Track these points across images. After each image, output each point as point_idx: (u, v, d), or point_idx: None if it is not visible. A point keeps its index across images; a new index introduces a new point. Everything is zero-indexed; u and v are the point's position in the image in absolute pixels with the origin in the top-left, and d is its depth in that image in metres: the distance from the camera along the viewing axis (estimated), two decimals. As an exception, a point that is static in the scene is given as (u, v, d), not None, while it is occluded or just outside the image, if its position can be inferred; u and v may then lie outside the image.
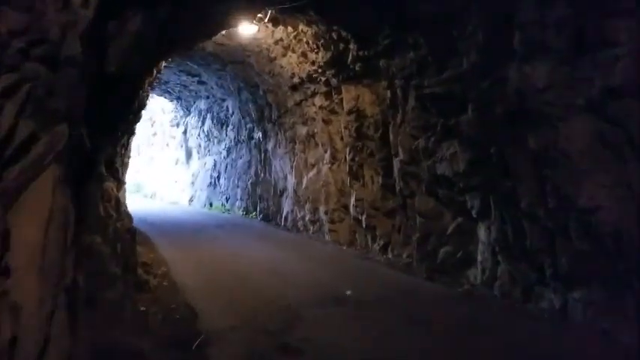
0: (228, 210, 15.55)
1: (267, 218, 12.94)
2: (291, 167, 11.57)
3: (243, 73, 12.29)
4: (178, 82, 17.01)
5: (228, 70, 12.89)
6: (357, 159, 8.64)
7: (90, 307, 3.76)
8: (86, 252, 4.02)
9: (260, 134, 13.50)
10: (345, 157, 9.13)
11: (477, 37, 5.41)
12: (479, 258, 5.93)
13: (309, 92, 10.05)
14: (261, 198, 13.50)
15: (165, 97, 19.44)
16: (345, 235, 9.26)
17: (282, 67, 10.16)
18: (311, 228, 10.57)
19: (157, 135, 24.15)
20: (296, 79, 10.11)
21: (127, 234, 5.59)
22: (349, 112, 8.59)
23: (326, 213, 9.82)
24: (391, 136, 7.60)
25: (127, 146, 6.72)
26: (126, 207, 6.53)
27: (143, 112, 8.02)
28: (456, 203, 6.31)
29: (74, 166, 3.38)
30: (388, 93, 7.47)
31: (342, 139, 9.31)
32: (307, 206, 10.70)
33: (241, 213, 14.55)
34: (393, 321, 4.79)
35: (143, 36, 3.45)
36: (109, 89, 3.45)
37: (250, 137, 14.45)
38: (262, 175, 13.54)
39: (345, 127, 8.90)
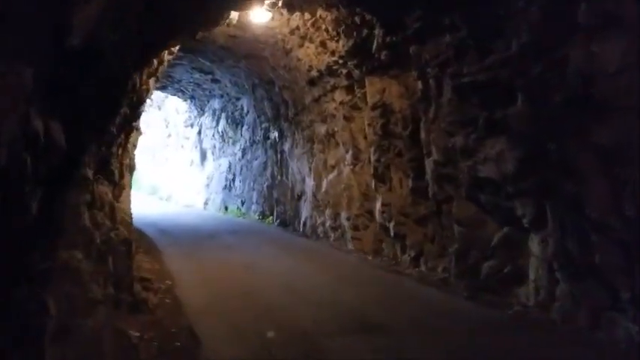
0: (244, 214, 14.96)
1: (284, 223, 12.27)
2: (310, 169, 10.87)
3: (258, 68, 11.67)
4: (191, 80, 16.52)
5: (242, 66, 12.29)
6: (382, 160, 7.89)
7: (62, 339, 3.12)
8: (62, 271, 3.39)
9: (276, 134, 12.86)
10: (370, 158, 8.39)
11: (531, 11, 4.62)
12: (531, 275, 5.11)
13: (328, 87, 9.34)
14: (278, 202, 12.84)
15: (179, 97, 19.01)
16: (370, 243, 8.51)
17: (298, 59, 9.47)
18: (332, 235, 9.84)
19: (172, 136, 23.80)
20: (314, 73, 9.41)
21: (121, 245, 4.97)
22: (374, 108, 7.85)
23: (348, 219, 9.09)
24: (422, 134, 6.84)
25: (125, 145, 6.11)
26: (126, 213, 5.92)
27: (147, 107, 7.44)
28: (503, 210, 5.51)
29: (43, 167, 2.76)
30: (419, 84, 6.71)
31: (365, 137, 8.57)
32: (327, 211, 9.99)
33: (257, 217, 13.92)
34: (432, 354, 4.04)
35: (120, 6, 2.80)
36: (81, 71, 2.80)
37: (266, 137, 13.83)
38: (279, 177, 12.89)
39: (370, 125, 8.16)
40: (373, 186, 8.25)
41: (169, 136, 24.16)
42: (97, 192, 4.76)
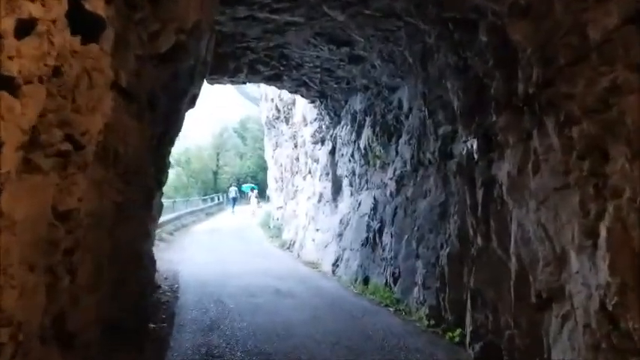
0: (398, 302, 8.67)
1: (495, 358, 5.72)
2: (586, 233, 4.27)
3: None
4: (318, 62, 11.16)
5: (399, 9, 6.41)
6: None
7: None
8: None
9: (474, 144, 6.53)
10: None
11: None
12: None
13: None
14: (479, 298, 6.32)
15: (302, 94, 13.87)
16: None
17: None
18: None
19: (300, 158, 18.97)
20: None
21: None
22: None
23: None
24: None
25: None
26: None
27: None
28: None
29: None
30: None
31: None
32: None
33: (426, 320, 7.49)
34: None
35: None
36: None
37: (445, 154, 7.59)
38: (479, 240, 6.42)
39: None
40: None
41: (297, 158, 19.39)
42: None
